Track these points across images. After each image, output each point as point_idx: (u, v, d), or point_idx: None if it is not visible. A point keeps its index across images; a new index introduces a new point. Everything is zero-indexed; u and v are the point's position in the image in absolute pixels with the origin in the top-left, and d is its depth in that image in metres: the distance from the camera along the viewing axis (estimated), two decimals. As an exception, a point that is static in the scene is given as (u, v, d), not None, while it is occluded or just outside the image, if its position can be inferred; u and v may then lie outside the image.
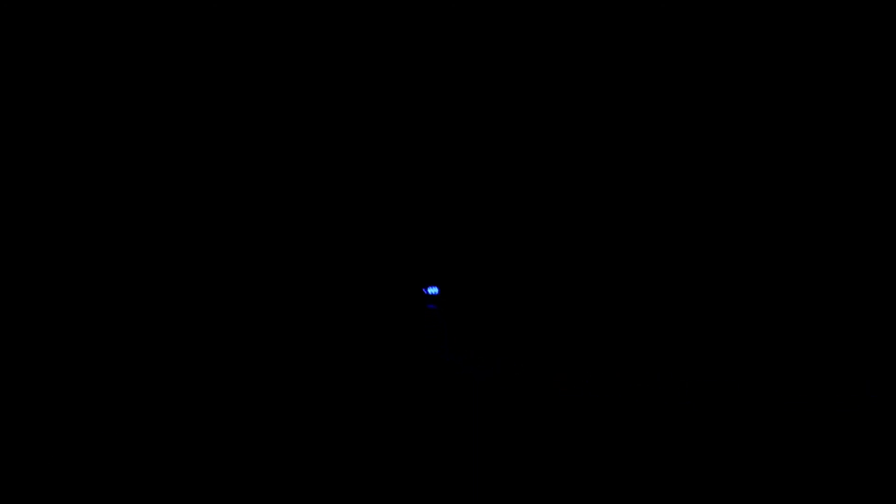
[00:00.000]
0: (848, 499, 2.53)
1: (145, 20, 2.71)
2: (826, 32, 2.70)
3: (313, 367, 2.64)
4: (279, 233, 2.71)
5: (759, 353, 2.64)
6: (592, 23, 2.73)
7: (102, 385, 2.61)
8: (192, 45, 2.72)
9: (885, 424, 2.56)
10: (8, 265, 2.64)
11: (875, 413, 2.57)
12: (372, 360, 2.65)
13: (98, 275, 2.66)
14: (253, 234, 2.71)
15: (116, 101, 2.73)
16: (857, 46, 2.70)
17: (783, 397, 2.61)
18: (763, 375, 2.63)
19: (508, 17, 2.74)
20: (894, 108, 2.70)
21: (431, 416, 2.61)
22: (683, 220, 2.72)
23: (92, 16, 2.70)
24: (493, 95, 2.76)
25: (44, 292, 2.65)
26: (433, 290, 2.60)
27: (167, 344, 2.64)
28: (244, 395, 2.62)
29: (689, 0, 2.70)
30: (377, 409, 2.62)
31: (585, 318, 2.69)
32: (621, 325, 2.68)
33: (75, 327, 2.63)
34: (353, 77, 2.76)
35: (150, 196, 2.71)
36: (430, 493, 2.56)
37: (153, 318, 2.65)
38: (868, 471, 2.54)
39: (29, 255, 2.66)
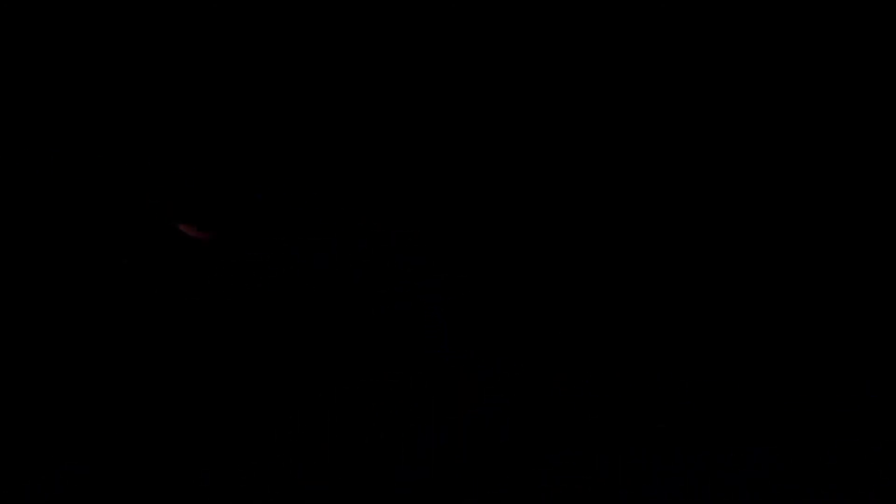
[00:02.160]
0: (848, 499, 2.53)
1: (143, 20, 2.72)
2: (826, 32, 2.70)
3: (311, 366, 2.64)
4: (275, 226, 2.71)
5: (759, 353, 2.64)
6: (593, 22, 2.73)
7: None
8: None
9: (885, 424, 2.56)
10: None
11: (875, 413, 2.57)
12: (371, 359, 2.65)
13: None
14: (251, 229, 2.71)
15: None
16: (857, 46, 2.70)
17: (783, 397, 2.61)
18: (763, 375, 2.63)
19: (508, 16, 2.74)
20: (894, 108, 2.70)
21: (430, 416, 2.61)
22: (684, 219, 2.72)
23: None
24: (494, 95, 2.76)
25: None
26: None
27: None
28: (242, 396, 2.62)
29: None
30: (376, 409, 2.62)
31: (585, 317, 2.69)
32: (621, 325, 2.68)
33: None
34: (353, 76, 2.76)
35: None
36: (430, 493, 2.56)
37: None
38: (868, 471, 2.54)
39: None
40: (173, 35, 2.73)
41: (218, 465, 2.56)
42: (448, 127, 2.75)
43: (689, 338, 2.66)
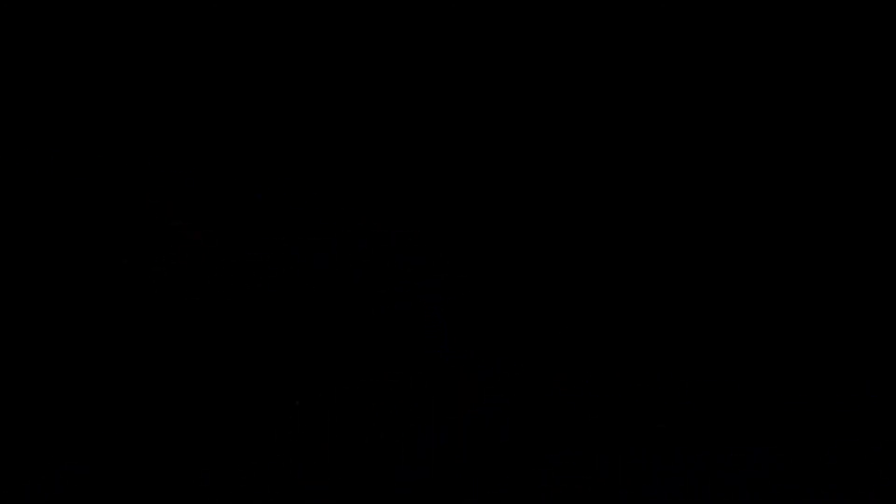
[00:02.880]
0: (848, 499, 2.53)
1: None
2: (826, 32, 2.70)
3: (311, 366, 2.64)
4: (277, 228, 2.71)
5: (759, 353, 2.64)
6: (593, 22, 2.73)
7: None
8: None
9: (885, 424, 2.56)
10: None
11: (875, 413, 2.57)
12: (371, 359, 2.65)
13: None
14: (253, 229, 2.71)
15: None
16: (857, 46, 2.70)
17: (783, 397, 2.61)
18: (763, 375, 2.63)
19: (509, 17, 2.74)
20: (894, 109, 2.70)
21: (430, 416, 2.61)
22: (683, 220, 2.72)
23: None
24: (492, 95, 2.76)
25: None
26: None
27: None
28: (242, 395, 2.62)
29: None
30: (376, 409, 2.62)
31: (584, 317, 2.69)
32: (620, 326, 2.68)
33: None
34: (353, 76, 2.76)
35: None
36: (430, 493, 2.56)
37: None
38: (868, 471, 2.54)
39: None
40: (173, 35, 2.73)
41: (218, 465, 2.56)
42: (447, 127, 2.75)
43: (689, 338, 2.66)
